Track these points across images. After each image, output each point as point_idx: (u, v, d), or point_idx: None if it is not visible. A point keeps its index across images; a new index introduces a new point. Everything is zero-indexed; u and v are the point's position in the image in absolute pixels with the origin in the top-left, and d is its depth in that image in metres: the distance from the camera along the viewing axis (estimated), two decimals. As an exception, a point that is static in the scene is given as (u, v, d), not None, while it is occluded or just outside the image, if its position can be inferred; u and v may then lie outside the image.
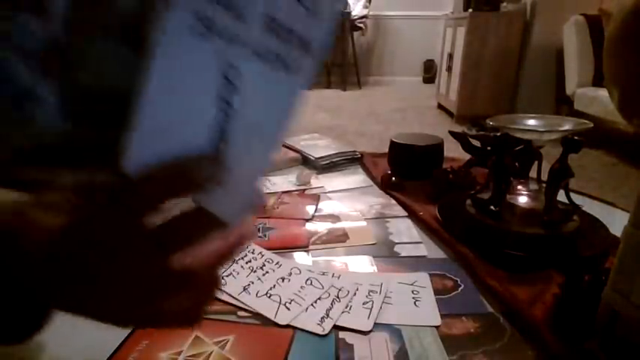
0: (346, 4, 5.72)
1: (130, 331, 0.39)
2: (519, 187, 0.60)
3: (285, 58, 0.20)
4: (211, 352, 0.37)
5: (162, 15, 0.17)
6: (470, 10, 3.82)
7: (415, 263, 0.53)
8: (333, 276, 0.49)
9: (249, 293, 0.45)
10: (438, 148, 0.83)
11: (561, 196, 0.57)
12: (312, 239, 0.59)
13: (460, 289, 0.48)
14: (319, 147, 0.96)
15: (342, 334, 0.40)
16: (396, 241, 0.59)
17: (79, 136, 0.21)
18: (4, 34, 0.18)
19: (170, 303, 0.25)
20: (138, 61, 0.18)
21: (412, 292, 0.47)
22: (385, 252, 0.56)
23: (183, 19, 0.18)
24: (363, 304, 0.44)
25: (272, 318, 0.41)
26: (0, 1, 0.18)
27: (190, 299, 0.26)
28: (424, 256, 0.55)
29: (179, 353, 0.37)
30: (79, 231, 0.22)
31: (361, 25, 5.83)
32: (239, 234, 0.26)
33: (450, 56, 4.14)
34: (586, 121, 0.55)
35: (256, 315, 0.42)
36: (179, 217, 0.23)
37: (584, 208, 0.57)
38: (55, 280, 0.24)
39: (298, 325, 0.40)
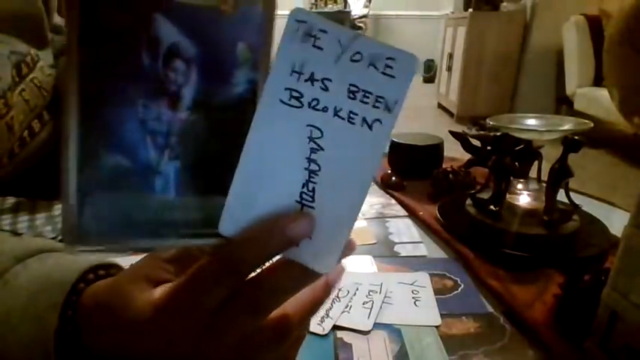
0: (346, 3, 5.73)
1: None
2: (519, 187, 0.60)
3: (367, 118, 0.23)
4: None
5: (260, 92, 0.22)
6: (470, 10, 3.82)
7: (415, 263, 0.53)
8: (333, 276, 0.49)
9: (249, 293, 0.45)
10: (438, 148, 0.83)
11: (561, 196, 0.57)
12: (312, 239, 0.59)
13: (460, 289, 0.48)
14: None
15: (340, 334, 0.40)
16: (396, 240, 0.59)
17: (188, 204, 0.24)
18: (142, 121, 0.22)
19: (269, 355, 0.27)
20: (240, 134, 0.22)
21: (412, 292, 0.47)
22: (385, 252, 0.56)
23: (277, 94, 0.22)
24: (363, 304, 0.44)
25: (272, 318, 0.42)
26: (144, 95, 0.22)
27: (286, 348, 0.28)
28: (424, 256, 0.55)
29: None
30: (191, 302, 0.24)
31: (361, 24, 5.83)
32: (328, 282, 0.27)
33: (450, 56, 4.14)
34: (586, 121, 0.55)
35: (256, 315, 0.42)
36: (272, 272, 0.24)
37: (584, 208, 0.57)
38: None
39: (298, 325, 0.40)
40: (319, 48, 0.22)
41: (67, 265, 0.30)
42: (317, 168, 0.23)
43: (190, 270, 0.24)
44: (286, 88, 0.22)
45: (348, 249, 0.25)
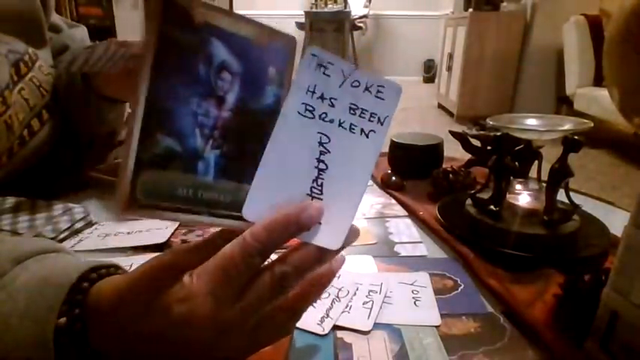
0: (346, 3, 5.72)
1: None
2: (519, 187, 0.60)
3: (364, 129, 0.29)
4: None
5: (282, 104, 0.29)
6: (470, 10, 3.82)
7: (415, 263, 0.53)
8: (333, 276, 0.49)
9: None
10: (438, 148, 0.83)
11: (561, 196, 0.57)
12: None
13: (460, 289, 0.48)
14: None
15: (340, 334, 0.40)
16: (396, 240, 0.59)
17: (222, 188, 0.29)
18: (194, 114, 0.28)
19: (282, 330, 0.31)
20: (267, 135, 0.28)
21: (412, 291, 0.47)
22: (385, 252, 0.56)
23: (295, 107, 0.28)
24: (363, 304, 0.44)
25: (272, 318, 0.41)
26: (198, 95, 0.28)
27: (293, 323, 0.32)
28: (424, 256, 0.55)
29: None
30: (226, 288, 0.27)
31: (361, 24, 5.83)
32: (332, 268, 0.32)
33: (450, 56, 4.15)
34: (586, 121, 0.55)
35: (256, 315, 0.42)
36: (292, 253, 0.29)
37: (584, 208, 0.57)
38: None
39: (298, 325, 0.40)
40: (327, 75, 0.29)
41: (65, 266, 0.30)
42: (325, 167, 0.29)
43: (219, 254, 0.27)
44: (302, 103, 0.28)
45: (353, 235, 0.30)
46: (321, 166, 0.29)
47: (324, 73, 0.28)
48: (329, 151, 0.29)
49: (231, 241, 0.27)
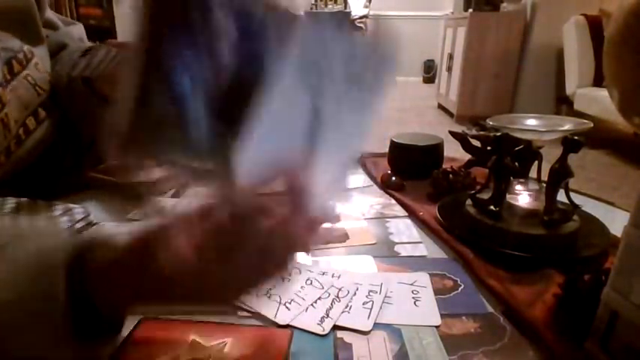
0: (346, 3, 5.73)
1: (123, 338, 0.37)
2: (519, 187, 0.60)
3: (363, 90, 0.29)
4: (209, 356, 0.36)
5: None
6: (470, 10, 3.82)
7: (415, 263, 0.53)
8: (333, 276, 0.49)
9: (249, 293, 0.45)
10: (438, 148, 0.83)
11: (561, 196, 0.57)
12: (312, 239, 0.59)
13: (460, 289, 0.48)
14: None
15: (340, 334, 0.40)
16: (396, 240, 0.59)
17: (214, 150, 0.29)
18: (190, 77, 0.27)
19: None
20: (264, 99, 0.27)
21: (412, 292, 0.47)
22: (385, 252, 0.56)
23: (289, 71, 0.27)
24: (363, 304, 0.44)
25: (272, 318, 0.41)
26: (196, 59, 0.27)
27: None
28: (424, 256, 0.55)
29: (176, 358, 0.36)
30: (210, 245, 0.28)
31: (361, 24, 5.83)
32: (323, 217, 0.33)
33: (450, 56, 4.14)
34: (586, 121, 0.55)
35: (256, 315, 0.42)
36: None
37: (584, 208, 0.57)
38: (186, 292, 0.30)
39: (298, 325, 0.40)
40: (324, 44, 0.28)
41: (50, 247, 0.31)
42: (319, 134, 0.28)
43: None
44: (297, 67, 0.27)
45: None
46: (316, 131, 0.28)
47: (321, 42, 0.28)
48: (324, 117, 0.28)
49: (219, 208, 0.28)
